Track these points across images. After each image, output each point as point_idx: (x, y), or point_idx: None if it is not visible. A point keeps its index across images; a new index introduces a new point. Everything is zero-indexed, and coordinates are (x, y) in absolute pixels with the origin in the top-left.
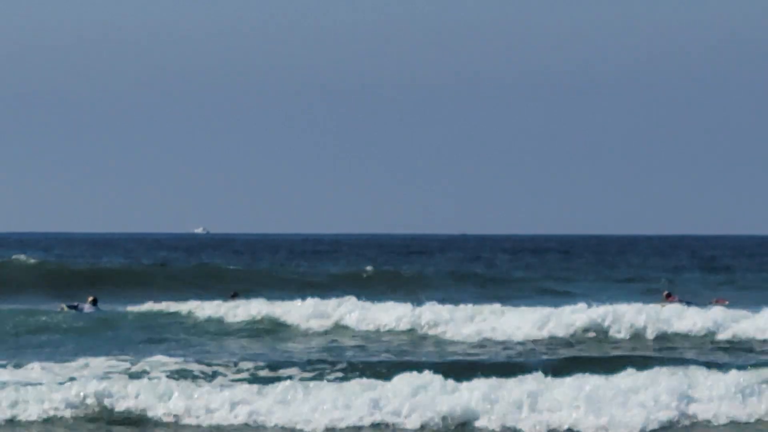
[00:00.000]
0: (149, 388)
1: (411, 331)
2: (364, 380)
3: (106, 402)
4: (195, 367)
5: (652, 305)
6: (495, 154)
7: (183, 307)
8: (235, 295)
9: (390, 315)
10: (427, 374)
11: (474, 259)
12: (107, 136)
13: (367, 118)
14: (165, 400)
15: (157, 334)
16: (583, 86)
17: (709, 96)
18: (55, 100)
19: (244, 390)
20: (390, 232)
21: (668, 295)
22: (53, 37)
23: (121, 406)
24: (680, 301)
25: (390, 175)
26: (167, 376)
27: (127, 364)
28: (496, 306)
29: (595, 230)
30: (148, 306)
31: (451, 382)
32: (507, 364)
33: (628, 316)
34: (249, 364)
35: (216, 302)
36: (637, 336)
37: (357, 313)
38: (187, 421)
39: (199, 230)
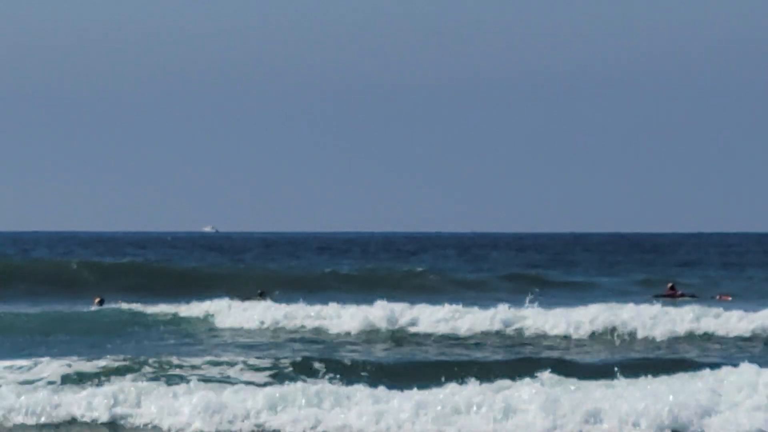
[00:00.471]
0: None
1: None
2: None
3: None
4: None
5: (649, 298)
6: (497, 153)
7: (179, 307)
8: (262, 294)
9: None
10: None
11: (475, 256)
12: (114, 136)
13: (372, 117)
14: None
15: (146, 335)
16: (583, 86)
17: (709, 96)
18: (57, 100)
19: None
20: (398, 231)
21: (671, 288)
22: (53, 37)
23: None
24: (683, 295)
25: (398, 174)
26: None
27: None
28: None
29: (600, 228)
30: (141, 306)
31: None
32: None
33: (621, 317)
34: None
35: (207, 302)
36: (632, 336)
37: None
38: (156, 423)
39: (208, 229)
